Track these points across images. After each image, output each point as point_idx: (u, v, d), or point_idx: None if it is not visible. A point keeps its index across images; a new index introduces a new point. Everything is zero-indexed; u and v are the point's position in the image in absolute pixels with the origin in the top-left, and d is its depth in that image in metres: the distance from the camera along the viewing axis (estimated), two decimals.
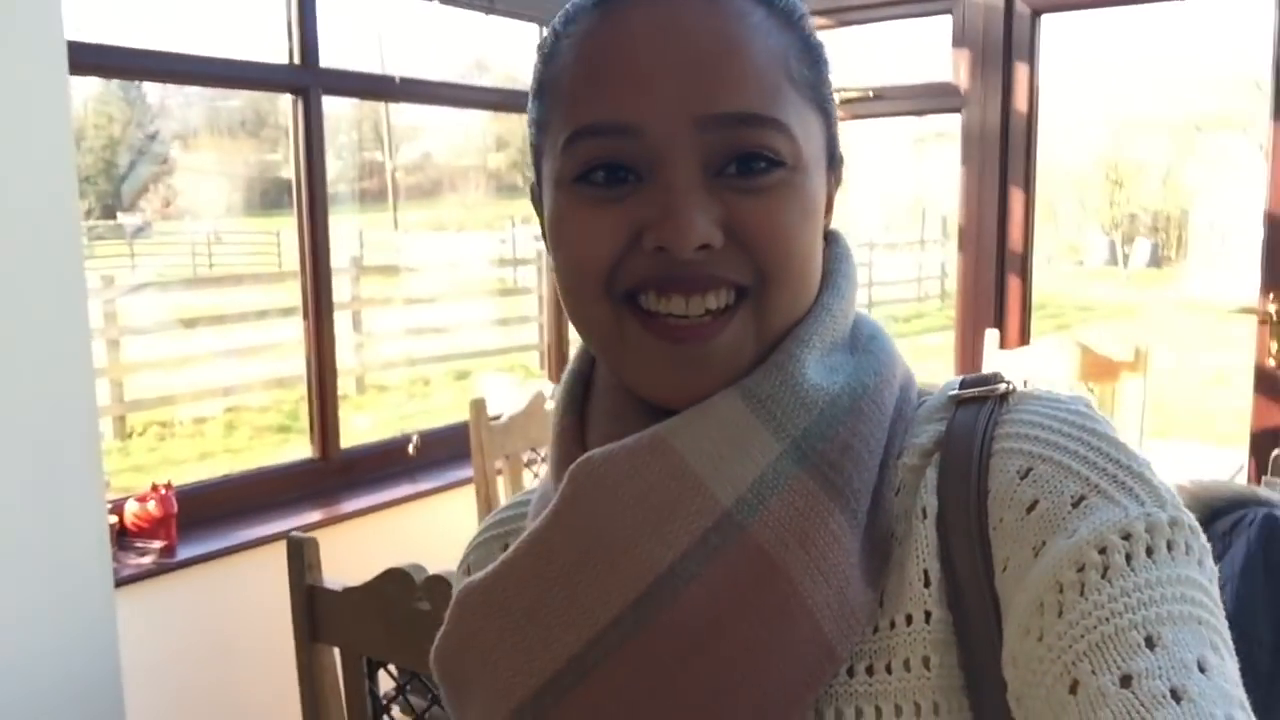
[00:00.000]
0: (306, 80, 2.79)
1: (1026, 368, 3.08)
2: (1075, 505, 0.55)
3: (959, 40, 3.33)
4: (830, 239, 0.67)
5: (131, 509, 2.54)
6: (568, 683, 0.59)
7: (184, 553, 2.51)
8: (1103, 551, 0.52)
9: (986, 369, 3.12)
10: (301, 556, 1.44)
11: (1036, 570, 0.54)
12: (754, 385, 0.60)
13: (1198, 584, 0.53)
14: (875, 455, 0.61)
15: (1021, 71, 3.25)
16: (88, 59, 2.27)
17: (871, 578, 0.60)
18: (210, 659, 2.55)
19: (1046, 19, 3.23)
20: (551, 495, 0.65)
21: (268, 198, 18.31)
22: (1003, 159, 3.30)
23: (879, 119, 3.69)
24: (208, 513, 2.70)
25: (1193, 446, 5.83)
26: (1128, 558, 0.52)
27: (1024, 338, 3.36)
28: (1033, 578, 0.54)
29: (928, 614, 0.59)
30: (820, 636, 0.57)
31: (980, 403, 0.63)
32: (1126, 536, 0.53)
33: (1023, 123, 3.27)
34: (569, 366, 0.71)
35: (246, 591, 2.56)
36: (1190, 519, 0.55)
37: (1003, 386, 0.64)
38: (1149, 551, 0.53)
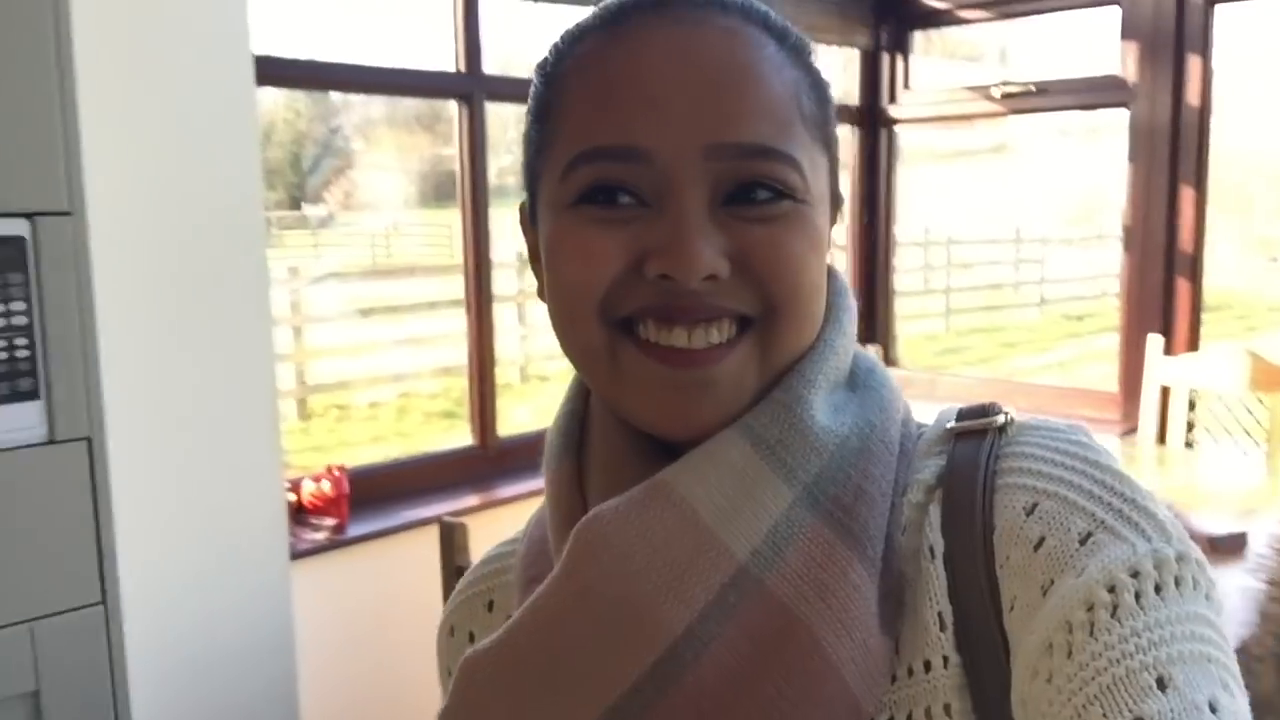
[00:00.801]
0: (471, 87, 2.93)
1: (1192, 375, 2.96)
2: (1083, 542, 0.54)
3: (1128, 32, 3.21)
4: (829, 275, 0.64)
5: (308, 488, 2.73)
6: None
7: (353, 530, 2.69)
8: (1112, 590, 0.51)
9: (1149, 376, 3.03)
10: (452, 540, 1.54)
11: (1045, 610, 0.53)
12: (761, 429, 0.58)
13: (1207, 620, 0.52)
14: (887, 497, 0.59)
15: (1194, 64, 3.11)
16: (273, 71, 2.46)
17: (887, 624, 0.57)
18: (373, 630, 2.72)
19: (1222, 8, 3.07)
20: (550, 545, 0.65)
21: (442, 190, 19.01)
22: (1173, 156, 3.16)
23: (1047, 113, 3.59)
24: (376, 494, 2.88)
25: None
26: (1137, 596, 0.51)
27: (1193, 343, 3.21)
28: (1041, 617, 0.53)
29: (945, 659, 0.57)
30: (846, 692, 0.55)
31: (979, 435, 0.62)
32: (1135, 574, 0.52)
33: (1195, 117, 3.13)
34: (562, 406, 0.68)
35: (408, 569, 2.72)
36: (1197, 553, 0.54)
37: (1000, 418, 0.62)
38: (1158, 589, 0.51)
